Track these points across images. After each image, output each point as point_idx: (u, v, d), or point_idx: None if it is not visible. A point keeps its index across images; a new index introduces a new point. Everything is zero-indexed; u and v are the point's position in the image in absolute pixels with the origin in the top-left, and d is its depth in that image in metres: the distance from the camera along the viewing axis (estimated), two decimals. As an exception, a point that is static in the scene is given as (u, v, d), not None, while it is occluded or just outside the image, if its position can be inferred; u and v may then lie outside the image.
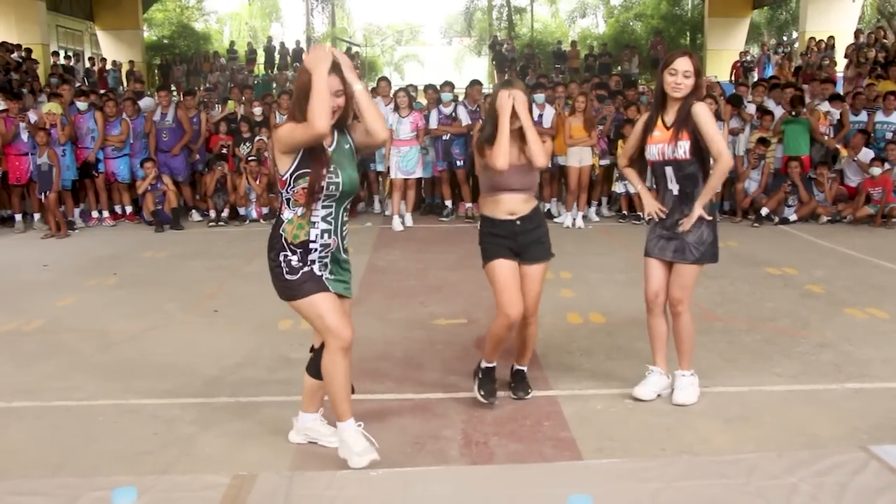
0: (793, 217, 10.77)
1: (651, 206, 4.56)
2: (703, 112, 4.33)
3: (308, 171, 3.52)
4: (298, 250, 3.61)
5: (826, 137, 11.34)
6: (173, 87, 24.28)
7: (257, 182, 11.32)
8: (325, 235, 3.63)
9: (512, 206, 4.37)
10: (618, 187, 11.24)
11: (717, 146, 4.32)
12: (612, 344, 5.68)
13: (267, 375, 5.14)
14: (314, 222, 3.61)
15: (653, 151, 4.45)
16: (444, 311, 6.57)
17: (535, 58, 27.33)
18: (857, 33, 20.37)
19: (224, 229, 11.01)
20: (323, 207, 3.61)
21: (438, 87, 11.64)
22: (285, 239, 3.61)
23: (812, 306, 6.59)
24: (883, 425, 4.24)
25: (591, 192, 11.26)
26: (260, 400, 4.72)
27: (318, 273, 3.65)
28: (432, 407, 4.55)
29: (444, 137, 11.24)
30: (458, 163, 11.29)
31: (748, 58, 25.23)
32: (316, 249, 3.62)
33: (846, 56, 18.75)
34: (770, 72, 20.58)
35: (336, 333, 3.62)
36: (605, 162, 11.19)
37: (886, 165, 10.76)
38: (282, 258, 3.62)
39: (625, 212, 11.27)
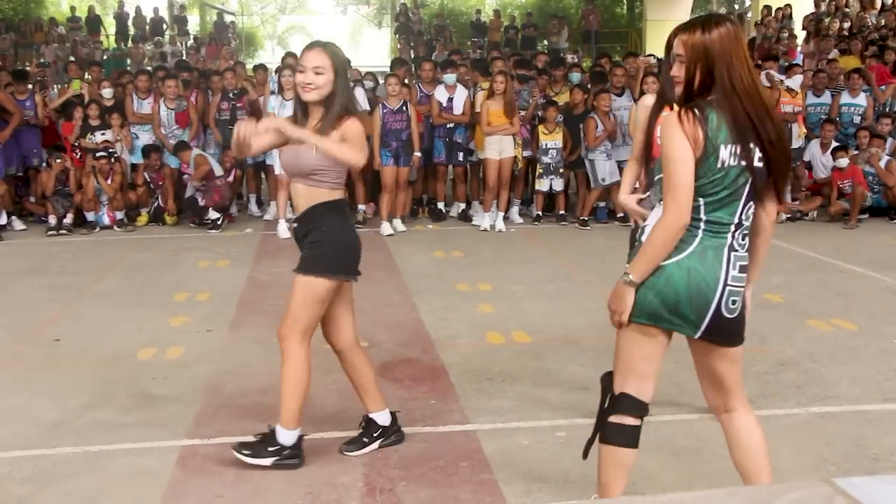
0: (745, 215, 11.04)
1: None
2: (643, 110, 4.29)
3: None
4: None
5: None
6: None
7: (109, 181, 11.07)
8: None
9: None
10: (541, 185, 11.26)
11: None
12: (540, 368, 5.75)
13: (122, 417, 5.02)
14: None
15: None
16: (341, 333, 6.52)
17: (447, 30, 27.50)
18: (818, 1, 21.04)
19: (67, 239, 10.73)
20: None
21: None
22: None
23: (770, 318, 6.80)
24: (853, 454, 4.41)
25: (513, 188, 11.36)
26: (114, 448, 4.61)
27: None
28: (327, 449, 4.53)
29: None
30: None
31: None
32: None
33: (804, 28, 19.34)
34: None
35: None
36: (528, 153, 11.29)
37: (853, 151, 11.16)
38: None
39: (539, 212, 11.45)
